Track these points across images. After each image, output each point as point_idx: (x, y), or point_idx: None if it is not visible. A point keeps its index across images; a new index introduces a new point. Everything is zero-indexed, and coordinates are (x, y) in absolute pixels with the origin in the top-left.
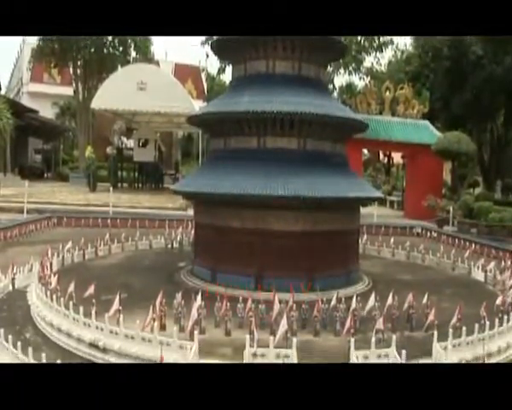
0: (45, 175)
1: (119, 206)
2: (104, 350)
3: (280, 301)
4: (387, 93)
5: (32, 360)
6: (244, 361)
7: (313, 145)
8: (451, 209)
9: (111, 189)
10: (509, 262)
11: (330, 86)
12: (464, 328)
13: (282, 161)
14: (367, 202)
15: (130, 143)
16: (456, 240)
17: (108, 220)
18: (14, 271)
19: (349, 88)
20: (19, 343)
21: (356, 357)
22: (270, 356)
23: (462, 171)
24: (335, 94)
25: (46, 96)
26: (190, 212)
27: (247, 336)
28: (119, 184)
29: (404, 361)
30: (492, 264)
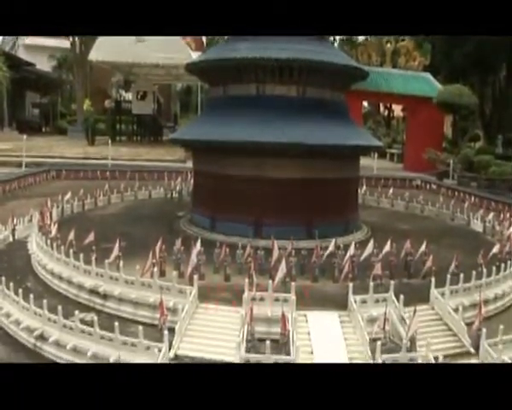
0: (43, 129)
1: (118, 159)
2: (104, 296)
3: (279, 248)
4: (388, 45)
5: (33, 307)
6: (243, 305)
7: (313, 93)
8: (451, 162)
9: (110, 142)
10: (508, 214)
11: (331, 38)
12: (462, 275)
13: (281, 108)
14: (367, 150)
15: (129, 95)
16: (456, 192)
17: (107, 173)
18: (15, 222)
19: (350, 40)
20: (20, 291)
21: (354, 301)
22: (269, 300)
23: (463, 124)
24: (336, 45)
25: (42, 49)
26: (189, 164)
27: (246, 281)
28: (118, 138)
29: (400, 309)
30: (491, 215)
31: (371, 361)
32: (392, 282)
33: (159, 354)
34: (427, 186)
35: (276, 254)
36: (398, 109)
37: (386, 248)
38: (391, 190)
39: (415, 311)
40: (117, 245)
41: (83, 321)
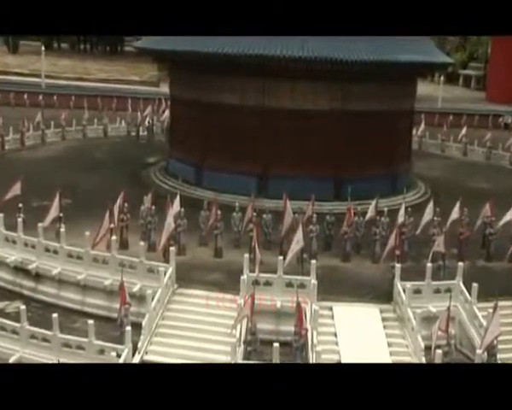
0: None
1: (57, 77)
2: (37, 277)
3: (294, 212)
4: None
5: None
6: (241, 291)
7: None
8: None
9: (43, 50)
10: None
11: None
12: None
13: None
14: (427, 70)
15: None
16: None
17: (40, 97)
18: None
19: None
20: None
21: (402, 290)
22: (279, 285)
23: None
24: None
25: None
26: (165, 88)
27: (246, 257)
28: (56, 44)
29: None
30: None
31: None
32: (460, 264)
33: (117, 361)
34: None
35: (289, 219)
36: None
37: (454, 215)
38: (463, 131)
39: (495, 307)
40: (56, 202)
41: (2, 314)
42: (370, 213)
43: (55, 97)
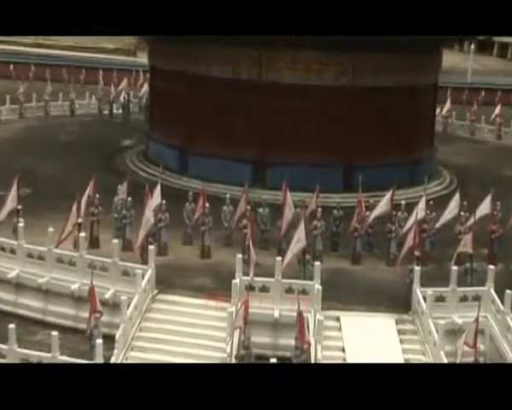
0: None
1: (12, 42)
2: None
3: (295, 205)
4: None
5: None
6: (232, 298)
7: None
8: None
9: None
10: None
11: None
12: None
13: None
14: (455, 37)
15: None
16: None
17: None
18: None
19: None
20: None
21: (422, 297)
22: (277, 291)
23: None
24: None
25: None
26: (143, 58)
27: (239, 258)
28: None
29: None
30: None
31: None
32: (491, 268)
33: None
34: None
35: (289, 214)
36: None
37: (484, 209)
38: (497, 110)
39: None
40: (13, 193)
41: None
42: (384, 206)
43: (11, 67)
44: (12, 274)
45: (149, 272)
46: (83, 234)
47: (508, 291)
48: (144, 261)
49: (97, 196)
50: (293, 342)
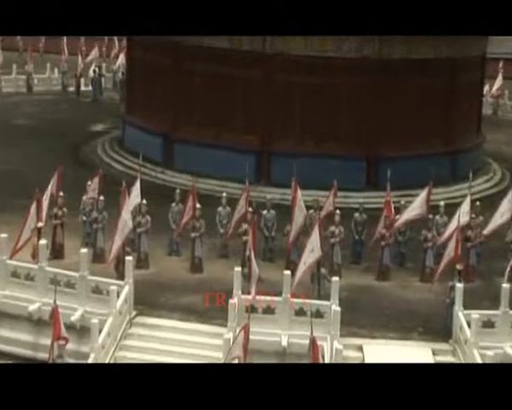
0: None
1: None
2: None
3: (307, 206)
4: None
5: None
6: (229, 321)
7: None
8: None
9: None
10: None
11: None
12: None
13: None
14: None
15: None
16: None
17: None
18: None
19: None
20: None
21: (466, 322)
22: (284, 312)
23: None
24: None
25: None
26: None
27: (237, 271)
28: None
29: None
30: None
31: None
32: None
33: None
34: None
35: (300, 217)
36: None
37: None
38: None
39: None
40: None
41: None
42: (417, 209)
43: None
44: None
45: (126, 289)
46: (44, 241)
47: None
48: (120, 276)
49: (61, 194)
50: None
